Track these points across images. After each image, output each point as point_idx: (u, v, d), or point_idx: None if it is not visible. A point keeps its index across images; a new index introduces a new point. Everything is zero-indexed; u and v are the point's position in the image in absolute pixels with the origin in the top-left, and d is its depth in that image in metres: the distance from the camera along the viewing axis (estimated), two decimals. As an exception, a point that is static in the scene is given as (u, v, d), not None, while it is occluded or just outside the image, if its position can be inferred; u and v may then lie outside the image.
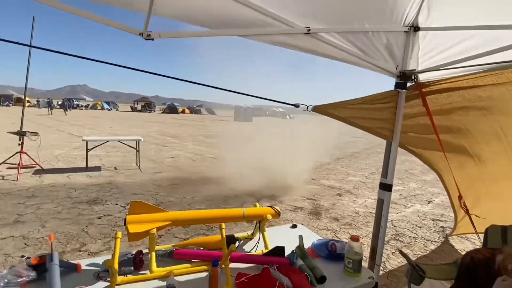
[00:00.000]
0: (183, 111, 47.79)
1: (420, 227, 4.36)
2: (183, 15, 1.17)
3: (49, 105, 26.07)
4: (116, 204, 4.71)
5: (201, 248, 1.72)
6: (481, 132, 2.23)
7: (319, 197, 5.65)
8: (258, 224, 1.87)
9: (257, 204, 1.97)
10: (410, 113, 1.91)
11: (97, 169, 7.03)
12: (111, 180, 6.13)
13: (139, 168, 7.27)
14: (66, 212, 4.27)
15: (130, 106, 53.86)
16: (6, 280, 1.29)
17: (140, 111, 46.10)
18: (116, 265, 1.30)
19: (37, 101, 40.31)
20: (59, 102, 38.96)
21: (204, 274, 1.49)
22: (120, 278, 1.34)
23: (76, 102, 40.94)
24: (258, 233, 1.90)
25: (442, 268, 1.70)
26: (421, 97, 1.87)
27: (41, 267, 1.41)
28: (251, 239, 1.96)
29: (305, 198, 5.57)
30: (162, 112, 45.58)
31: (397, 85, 1.76)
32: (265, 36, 1.37)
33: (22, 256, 1.57)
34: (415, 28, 1.61)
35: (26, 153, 6.26)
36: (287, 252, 1.67)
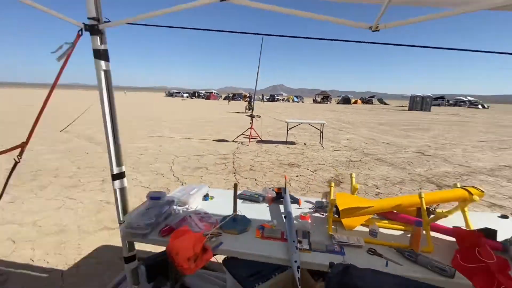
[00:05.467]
0: (355, 102, 45.17)
1: None
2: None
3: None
4: (307, 169, 5.24)
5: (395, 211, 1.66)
6: None
7: (529, 199, 3.91)
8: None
9: (458, 184, 1.64)
10: None
11: (292, 143, 8.03)
12: (303, 151, 6.85)
13: (321, 145, 7.67)
14: (276, 169, 5.21)
15: (312, 98, 56.59)
16: (261, 195, 1.87)
17: (319, 102, 47.54)
18: (333, 204, 1.48)
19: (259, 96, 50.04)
20: (266, 97, 46.86)
21: (399, 232, 1.44)
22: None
23: (276, 97, 47.74)
24: (457, 212, 1.60)
25: None
26: None
27: (279, 194, 1.86)
28: (446, 216, 1.67)
29: None
30: (337, 103, 45.06)
31: None
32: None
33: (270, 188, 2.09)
34: None
35: (254, 129, 8.04)
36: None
